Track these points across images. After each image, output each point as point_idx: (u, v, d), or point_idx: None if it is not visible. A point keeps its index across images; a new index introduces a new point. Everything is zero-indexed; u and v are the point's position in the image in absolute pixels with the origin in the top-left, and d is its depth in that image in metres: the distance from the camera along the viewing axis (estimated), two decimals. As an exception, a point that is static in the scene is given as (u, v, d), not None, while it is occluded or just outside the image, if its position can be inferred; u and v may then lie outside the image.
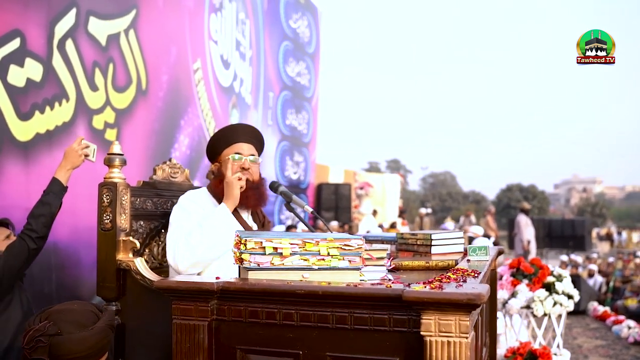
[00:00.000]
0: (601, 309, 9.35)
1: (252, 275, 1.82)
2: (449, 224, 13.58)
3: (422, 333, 1.57)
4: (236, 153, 2.69)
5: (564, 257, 12.86)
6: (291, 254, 1.85)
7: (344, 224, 12.57)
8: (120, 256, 2.47)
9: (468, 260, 2.41)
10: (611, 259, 13.92)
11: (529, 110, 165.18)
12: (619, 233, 28.53)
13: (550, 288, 4.45)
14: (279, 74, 10.29)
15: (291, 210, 2.72)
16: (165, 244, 2.84)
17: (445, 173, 62.33)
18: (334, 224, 11.74)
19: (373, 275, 2.06)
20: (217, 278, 1.80)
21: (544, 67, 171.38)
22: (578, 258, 13.14)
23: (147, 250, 2.73)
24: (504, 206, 42.08)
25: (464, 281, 1.72)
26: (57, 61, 4.59)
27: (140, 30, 5.74)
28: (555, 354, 4.35)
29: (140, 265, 2.45)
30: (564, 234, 17.88)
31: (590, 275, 11.21)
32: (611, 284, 10.69)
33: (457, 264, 2.44)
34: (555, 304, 4.34)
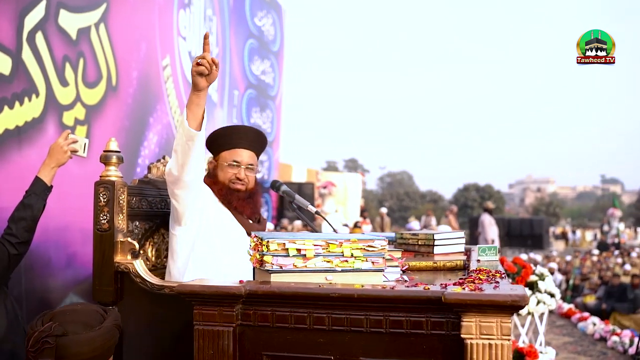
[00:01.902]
0: (566, 306, 9.56)
1: (275, 278, 1.75)
2: (415, 223, 13.66)
3: (462, 336, 1.53)
4: (234, 161, 2.62)
5: (524, 256, 13.12)
6: (315, 256, 1.79)
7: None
8: (118, 258, 2.35)
9: (478, 261, 2.39)
10: (569, 257, 14.29)
11: (484, 111, 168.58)
12: (574, 232, 29.41)
13: (533, 287, 4.51)
14: (244, 72, 10.18)
15: (294, 210, 2.65)
16: (159, 246, 2.75)
17: (402, 173, 62.87)
18: (298, 223, 11.68)
19: (389, 276, 2.01)
20: (241, 282, 1.72)
21: (499, 69, 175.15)
22: (537, 257, 13.42)
23: (141, 252, 2.61)
24: (461, 205, 42.74)
25: (497, 282, 1.69)
26: (27, 55, 4.39)
27: (111, 25, 5.55)
28: (541, 352, 4.41)
29: (140, 267, 2.34)
30: (523, 233, 18.28)
31: (551, 273, 11.44)
32: (571, 281, 10.95)
33: (464, 264, 2.42)
34: (538, 302, 4.40)
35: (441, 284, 1.68)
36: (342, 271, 1.80)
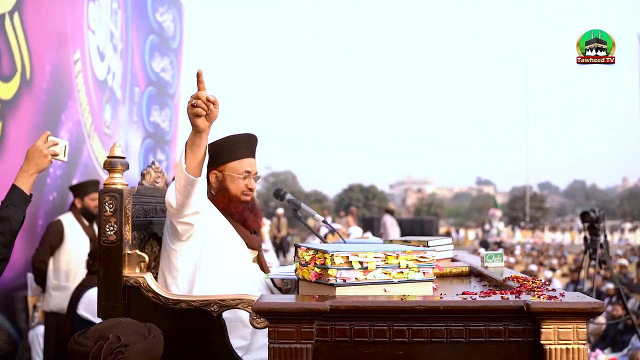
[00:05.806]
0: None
1: (339, 292, 1.74)
2: (336, 225, 13.63)
3: (542, 342, 1.61)
4: (246, 172, 2.56)
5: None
6: (376, 268, 1.80)
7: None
8: (127, 272, 2.20)
9: (486, 267, 2.49)
10: (457, 256, 15.04)
11: (364, 112, 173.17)
12: (457, 231, 31.12)
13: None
14: (144, 68, 9.79)
15: (298, 219, 2.61)
16: (149, 257, 2.61)
17: (286, 172, 62.75)
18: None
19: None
20: (314, 297, 1.68)
21: (379, 74, 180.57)
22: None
23: (135, 264, 2.46)
24: (345, 205, 43.02)
25: (554, 290, 1.79)
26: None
27: (25, 14, 5.13)
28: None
29: (152, 281, 2.21)
30: (414, 233, 19.01)
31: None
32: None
33: (470, 270, 2.52)
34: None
35: (514, 293, 1.75)
36: (399, 282, 1.82)
